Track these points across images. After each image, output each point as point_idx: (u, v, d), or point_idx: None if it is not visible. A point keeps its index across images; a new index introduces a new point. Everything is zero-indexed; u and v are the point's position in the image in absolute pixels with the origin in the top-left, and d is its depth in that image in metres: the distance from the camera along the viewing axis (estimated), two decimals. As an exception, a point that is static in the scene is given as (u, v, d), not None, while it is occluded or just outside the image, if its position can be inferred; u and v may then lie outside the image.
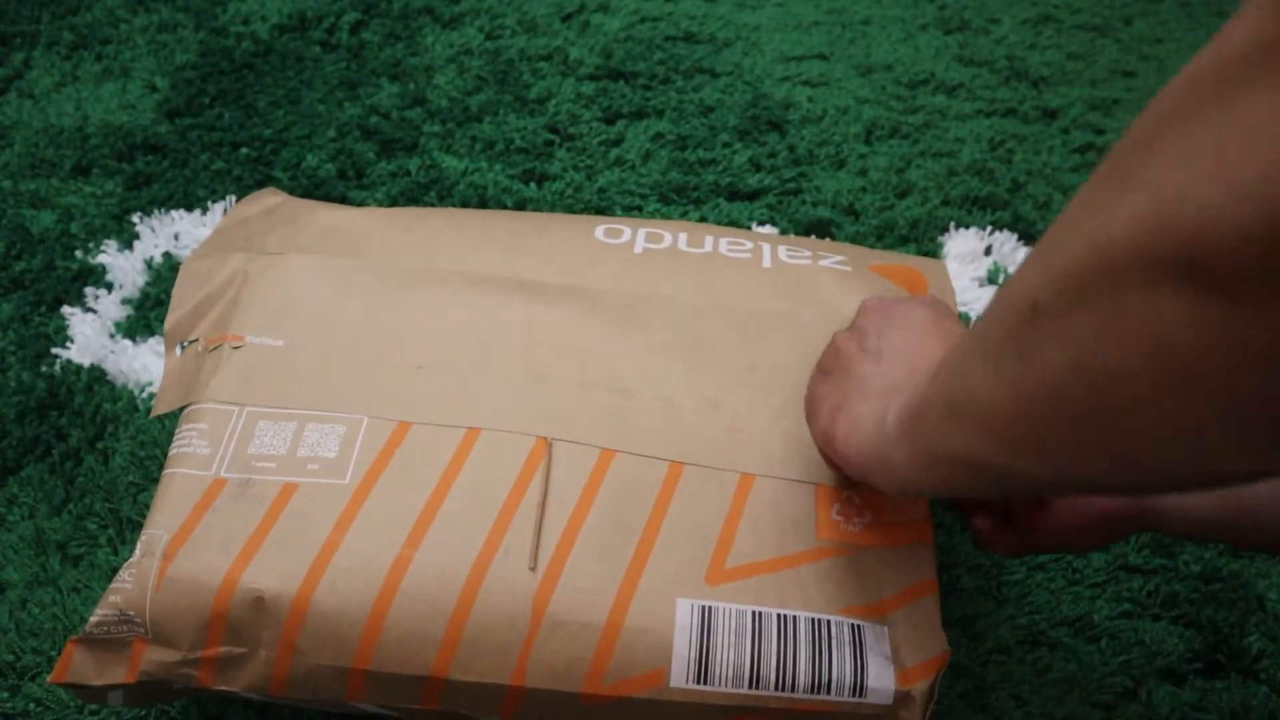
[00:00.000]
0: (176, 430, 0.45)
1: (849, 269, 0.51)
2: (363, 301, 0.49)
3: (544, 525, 0.41)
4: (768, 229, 0.71)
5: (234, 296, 0.49)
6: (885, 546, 0.42)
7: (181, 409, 0.46)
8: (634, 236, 0.52)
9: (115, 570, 0.52)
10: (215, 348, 0.47)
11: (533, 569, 0.40)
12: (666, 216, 0.72)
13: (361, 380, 0.46)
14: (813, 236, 0.71)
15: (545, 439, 0.44)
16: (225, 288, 0.49)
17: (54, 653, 0.49)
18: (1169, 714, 0.49)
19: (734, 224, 0.72)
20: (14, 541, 0.53)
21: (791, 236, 0.55)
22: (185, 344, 0.48)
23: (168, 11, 0.88)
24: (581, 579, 0.40)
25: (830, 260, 0.51)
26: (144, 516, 0.54)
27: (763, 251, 0.52)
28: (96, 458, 0.57)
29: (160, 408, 0.47)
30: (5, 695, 0.48)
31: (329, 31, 0.86)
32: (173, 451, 0.44)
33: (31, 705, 0.48)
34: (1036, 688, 0.50)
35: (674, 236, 0.52)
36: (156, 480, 0.56)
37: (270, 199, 0.55)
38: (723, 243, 0.52)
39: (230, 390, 0.46)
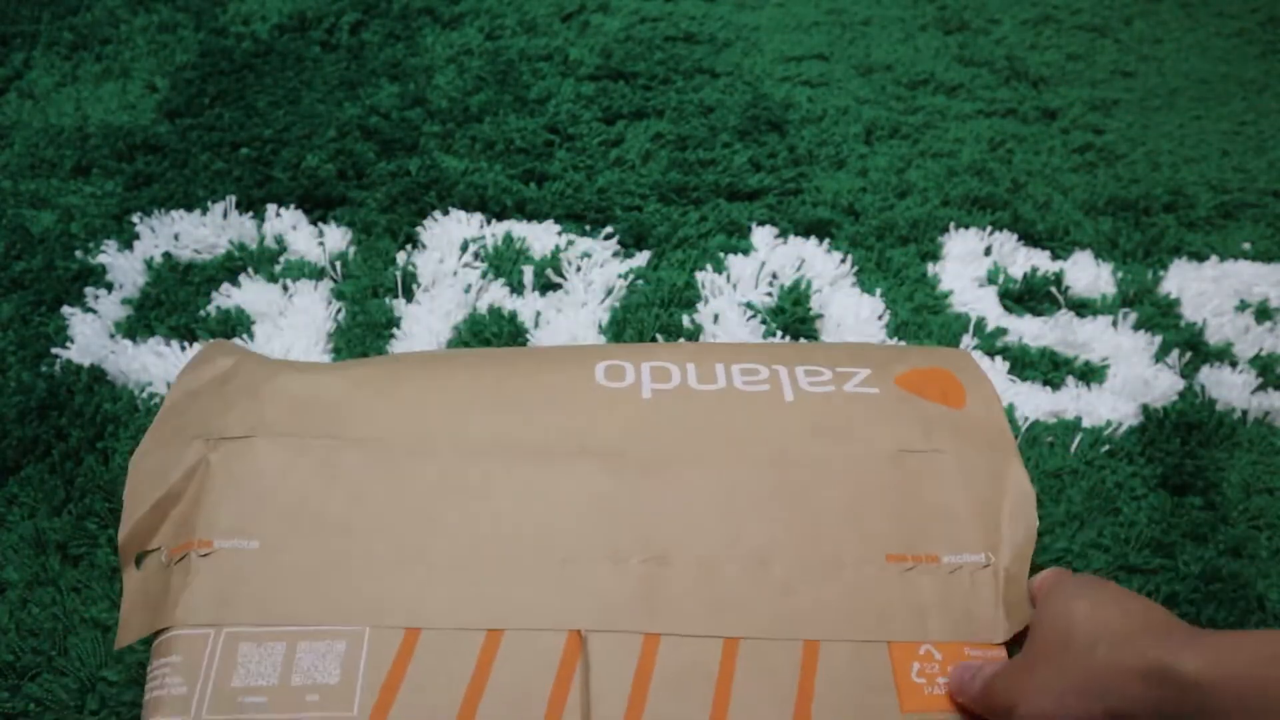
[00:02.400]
0: (148, 668, 0.40)
1: (876, 390, 0.47)
2: (347, 488, 0.43)
3: None
4: (768, 229, 0.71)
5: (196, 494, 0.43)
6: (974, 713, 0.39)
7: (150, 639, 0.41)
8: (639, 378, 0.47)
9: (115, 570, 0.52)
10: (181, 558, 0.41)
11: None
12: (666, 217, 0.72)
13: (356, 583, 0.40)
14: (813, 237, 0.71)
15: (578, 632, 0.39)
16: (185, 484, 0.43)
17: (54, 653, 0.49)
18: (1169, 714, 0.49)
19: (734, 224, 0.72)
20: (14, 541, 0.53)
21: (805, 347, 0.51)
22: (144, 555, 0.42)
23: (168, 11, 0.88)
24: None
25: (854, 382, 0.47)
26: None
27: (781, 381, 0.47)
28: (96, 458, 0.57)
29: (125, 638, 0.41)
30: (5, 695, 0.48)
31: (329, 31, 0.86)
32: (146, 697, 0.39)
33: (31, 705, 0.48)
34: (1036, 688, 0.50)
35: (681, 371, 0.47)
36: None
37: (221, 360, 0.48)
38: (735, 373, 0.47)
39: (203, 609, 0.39)
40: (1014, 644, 0.41)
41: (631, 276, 0.68)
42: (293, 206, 0.71)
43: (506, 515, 0.42)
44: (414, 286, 0.66)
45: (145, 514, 0.43)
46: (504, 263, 0.68)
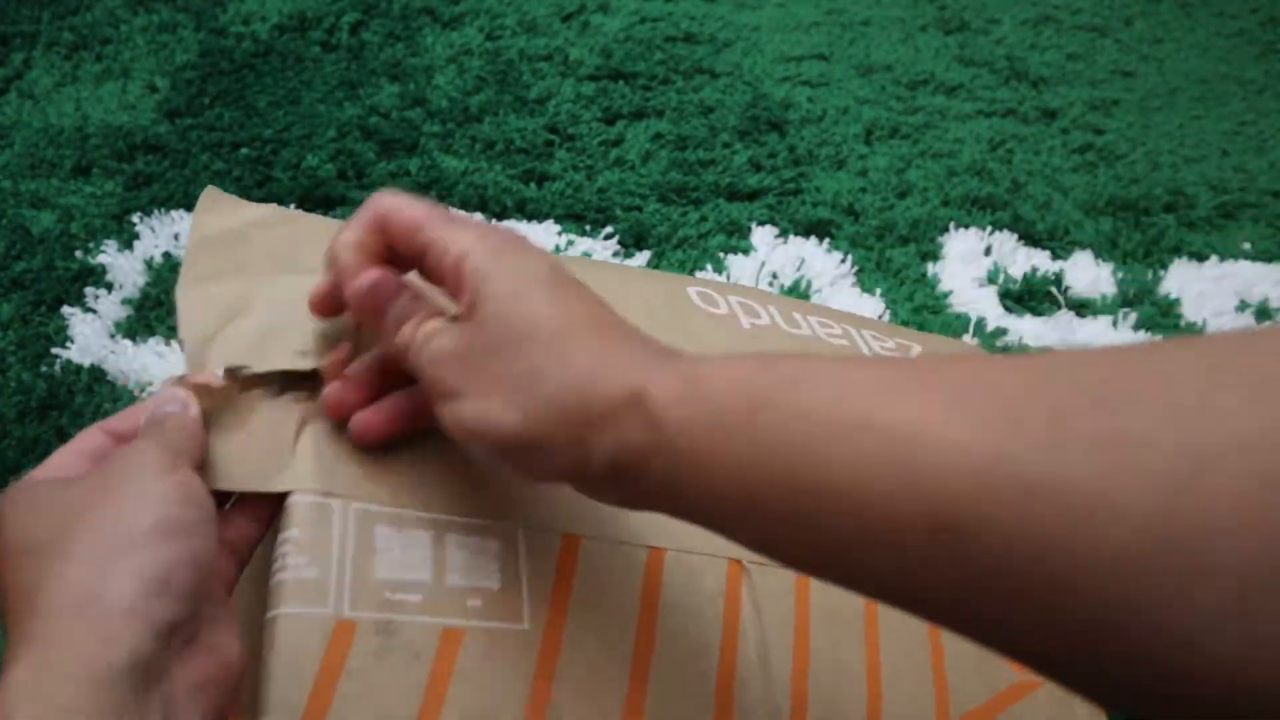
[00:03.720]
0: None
1: None
2: None
3: (772, 675, 0.34)
4: (768, 229, 0.71)
5: (286, 314, 0.34)
6: None
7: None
8: (732, 309, 0.45)
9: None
10: (280, 395, 0.32)
11: None
12: (666, 217, 0.72)
13: (494, 474, 0.33)
14: (813, 237, 0.71)
15: (739, 562, 0.35)
16: (265, 302, 0.34)
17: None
18: (1169, 714, 0.49)
19: (734, 224, 0.72)
20: (14, 541, 0.53)
21: (853, 315, 0.52)
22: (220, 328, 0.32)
23: (168, 11, 0.88)
24: None
25: (914, 354, 0.48)
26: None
27: (855, 339, 0.47)
28: (96, 458, 0.57)
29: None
30: (5, 695, 0.48)
31: (329, 31, 0.86)
32: (272, 578, 0.29)
33: (31, 705, 0.48)
34: (1036, 688, 0.50)
35: (767, 312, 0.46)
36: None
37: (245, 210, 0.39)
38: (814, 324, 0.47)
39: (319, 472, 0.30)
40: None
41: (631, 276, 0.68)
42: (293, 206, 0.71)
43: None
44: (414, 286, 0.66)
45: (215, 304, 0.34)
46: (504, 263, 0.68)
